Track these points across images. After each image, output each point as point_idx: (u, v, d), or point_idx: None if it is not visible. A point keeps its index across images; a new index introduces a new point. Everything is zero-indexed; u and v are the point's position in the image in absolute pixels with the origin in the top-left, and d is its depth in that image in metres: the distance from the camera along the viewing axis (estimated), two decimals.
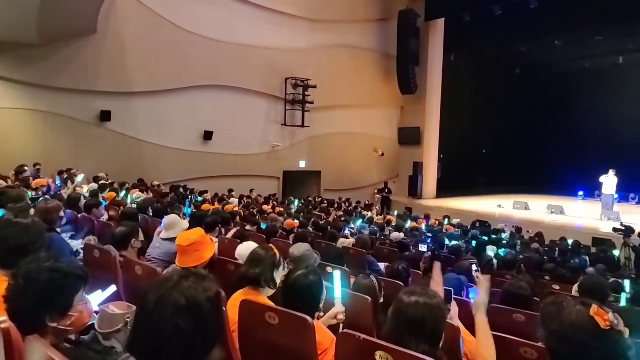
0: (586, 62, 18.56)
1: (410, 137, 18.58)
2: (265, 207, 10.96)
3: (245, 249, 3.35)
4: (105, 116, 13.25)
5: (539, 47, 17.70)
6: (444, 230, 11.00)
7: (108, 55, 13.18)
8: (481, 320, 2.36)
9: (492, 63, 19.17)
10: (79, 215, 5.06)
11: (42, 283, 1.58)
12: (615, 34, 15.79)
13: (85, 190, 7.72)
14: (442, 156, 18.69)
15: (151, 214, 5.93)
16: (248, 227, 6.59)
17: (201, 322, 1.23)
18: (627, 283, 5.26)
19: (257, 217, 8.00)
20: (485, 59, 18.87)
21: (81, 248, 3.69)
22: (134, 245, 3.62)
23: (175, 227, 4.12)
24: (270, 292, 2.52)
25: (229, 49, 15.45)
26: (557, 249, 9.75)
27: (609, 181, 13.95)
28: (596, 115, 19.50)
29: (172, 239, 3.64)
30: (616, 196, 14.61)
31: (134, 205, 6.54)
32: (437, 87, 18.19)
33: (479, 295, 2.48)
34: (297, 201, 13.69)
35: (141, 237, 3.86)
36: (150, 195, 9.42)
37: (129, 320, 2.12)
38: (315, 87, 17.06)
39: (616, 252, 9.61)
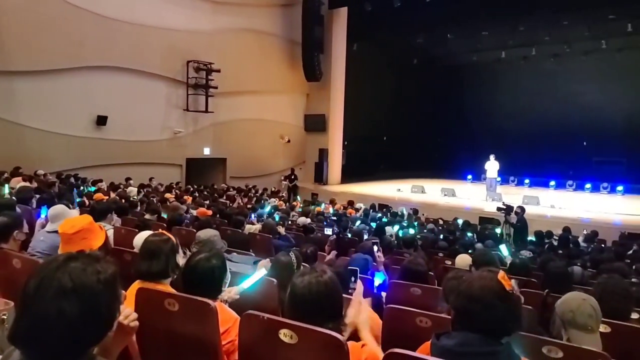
0: (474, 55, 20.06)
1: (315, 124, 18.85)
2: (167, 195, 10.49)
3: (142, 238, 3.18)
4: None
5: (434, 39, 18.78)
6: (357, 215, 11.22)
7: None
8: (368, 338, 2.02)
9: (392, 53, 20.02)
10: None
11: None
12: (498, 30, 17.27)
13: None
14: (346, 143, 19.22)
15: (35, 205, 5.38)
16: (147, 216, 6.26)
17: (91, 306, 1.13)
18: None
19: (158, 206, 7.63)
20: (386, 49, 19.65)
21: None
22: (16, 237, 3.26)
23: (62, 218, 3.77)
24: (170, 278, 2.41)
25: (124, 28, 14.44)
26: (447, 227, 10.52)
27: (491, 165, 15.44)
28: (483, 105, 21.28)
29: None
30: (498, 179, 16.18)
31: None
32: (341, 75, 18.59)
33: (359, 315, 2.10)
34: None
35: (25, 228, 3.49)
36: (35, 185, 8.55)
37: (5, 317, 1.91)
38: (219, 71, 16.58)
39: (498, 230, 10.63)
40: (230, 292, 2.40)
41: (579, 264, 5.43)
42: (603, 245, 9.20)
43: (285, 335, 1.63)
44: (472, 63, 20.67)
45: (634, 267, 6.30)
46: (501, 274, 1.67)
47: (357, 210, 12.32)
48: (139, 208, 7.64)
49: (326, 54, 18.34)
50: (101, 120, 14.27)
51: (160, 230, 2.81)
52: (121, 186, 11.55)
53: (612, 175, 17.41)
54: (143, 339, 1.94)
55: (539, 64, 19.14)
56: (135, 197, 9.53)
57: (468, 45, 19.22)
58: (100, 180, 11.54)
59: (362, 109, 19.26)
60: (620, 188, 16.71)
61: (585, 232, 10.38)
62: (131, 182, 12.48)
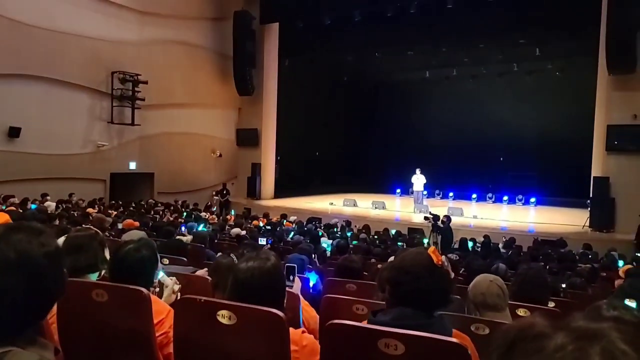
0: (401, 74, 20.96)
1: (248, 138, 18.70)
2: (90, 210, 9.89)
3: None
4: None
5: (363, 58, 19.42)
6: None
7: None
8: None
9: (323, 70, 20.40)
10: None
11: None
12: (423, 50, 18.23)
13: None
14: (279, 157, 19.22)
15: None
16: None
17: (37, 280, 1.05)
18: None
19: (81, 218, 7.18)
20: (317, 65, 20.01)
21: None
22: None
23: None
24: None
25: (42, 35, 13.62)
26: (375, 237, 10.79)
27: (417, 179, 16.18)
28: (409, 122, 22.17)
29: None
30: (425, 192, 16.92)
31: None
32: (273, 90, 18.65)
33: None
34: None
35: None
36: None
37: None
38: (146, 82, 16.03)
39: (425, 240, 11.08)
40: (173, 286, 2.34)
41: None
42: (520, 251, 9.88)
43: (223, 316, 1.60)
44: (398, 81, 21.56)
45: (547, 267, 6.87)
46: (432, 249, 1.77)
47: (292, 222, 12.32)
48: (57, 222, 7.13)
49: (258, 68, 18.34)
50: (13, 132, 13.24)
51: (87, 226, 2.64)
52: (36, 202, 10.75)
53: (526, 188, 18.79)
54: (68, 333, 1.81)
55: (460, 84, 20.35)
56: (54, 212, 8.89)
57: (395, 64, 20.07)
58: (12, 196, 10.69)
59: (294, 124, 19.40)
60: (533, 200, 18.05)
61: (504, 239, 11.14)
62: (48, 198, 11.66)
